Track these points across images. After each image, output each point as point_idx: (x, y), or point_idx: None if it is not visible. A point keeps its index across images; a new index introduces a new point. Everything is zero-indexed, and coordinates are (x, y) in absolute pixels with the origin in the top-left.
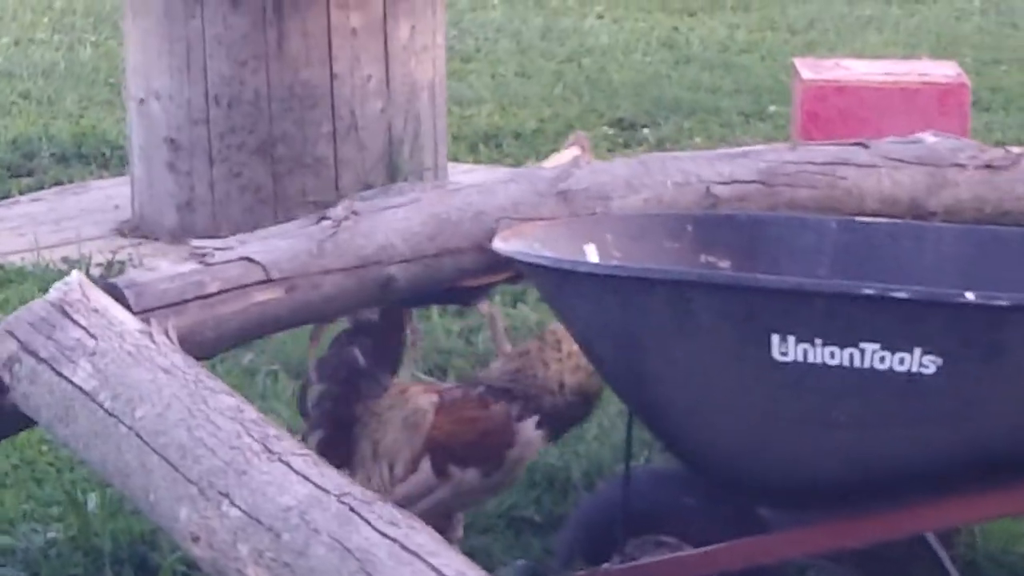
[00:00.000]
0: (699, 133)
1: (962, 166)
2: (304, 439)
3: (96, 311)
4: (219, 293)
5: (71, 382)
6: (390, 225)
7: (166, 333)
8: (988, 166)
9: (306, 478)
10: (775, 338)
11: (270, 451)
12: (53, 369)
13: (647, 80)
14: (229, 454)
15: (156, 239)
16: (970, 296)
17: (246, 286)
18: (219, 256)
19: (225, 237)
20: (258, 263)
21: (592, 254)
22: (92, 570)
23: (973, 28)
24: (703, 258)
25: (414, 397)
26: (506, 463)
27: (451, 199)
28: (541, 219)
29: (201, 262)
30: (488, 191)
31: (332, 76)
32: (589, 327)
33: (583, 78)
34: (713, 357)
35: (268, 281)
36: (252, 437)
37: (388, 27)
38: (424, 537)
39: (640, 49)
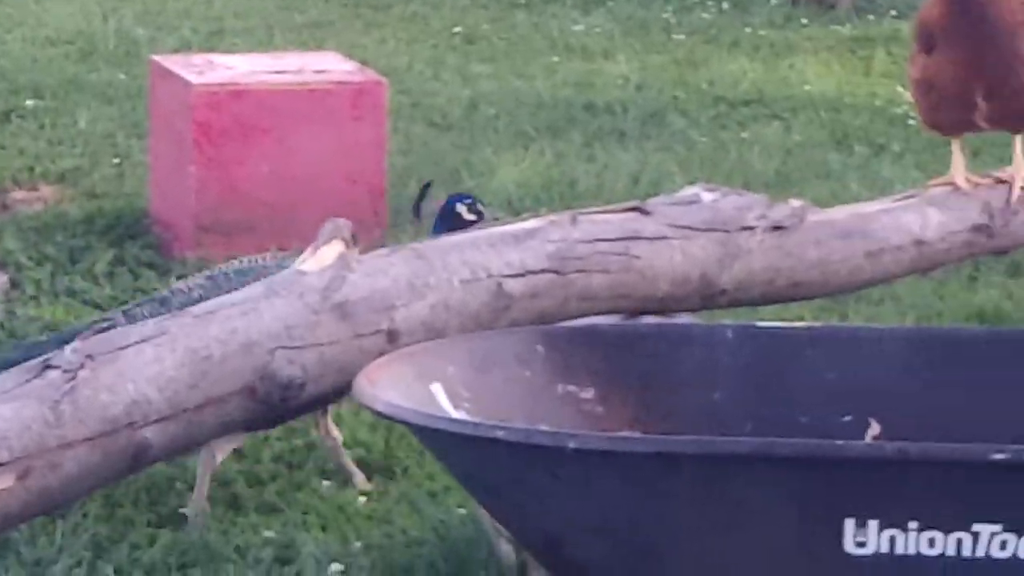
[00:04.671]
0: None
1: (751, 228)
2: None
3: None
4: None
5: None
6: (139, 371)
7: None
8: (777, 227)
9: None
10: (849, 524)
11: None
12: None
13: None
14: None
15: None
16: None
17: None
18: None
19: None
20: None
21: (441, 396)
22: None
23: None
24: (561, 388)
25: None
26: None
27: (207, 328)
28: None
29: None
30: (251, 312)
31: None
32: (567, 519)
33: None
34: (764, 554)
35: None
36: None
37: None
38: None
39: None
